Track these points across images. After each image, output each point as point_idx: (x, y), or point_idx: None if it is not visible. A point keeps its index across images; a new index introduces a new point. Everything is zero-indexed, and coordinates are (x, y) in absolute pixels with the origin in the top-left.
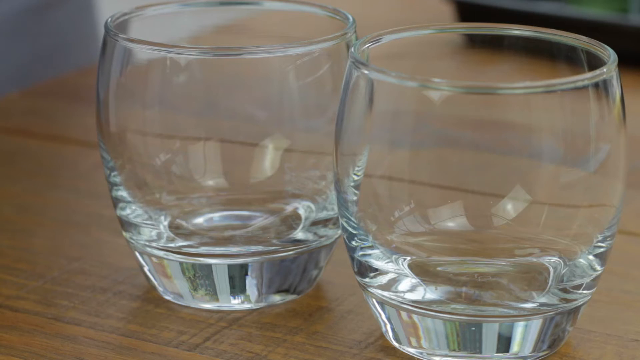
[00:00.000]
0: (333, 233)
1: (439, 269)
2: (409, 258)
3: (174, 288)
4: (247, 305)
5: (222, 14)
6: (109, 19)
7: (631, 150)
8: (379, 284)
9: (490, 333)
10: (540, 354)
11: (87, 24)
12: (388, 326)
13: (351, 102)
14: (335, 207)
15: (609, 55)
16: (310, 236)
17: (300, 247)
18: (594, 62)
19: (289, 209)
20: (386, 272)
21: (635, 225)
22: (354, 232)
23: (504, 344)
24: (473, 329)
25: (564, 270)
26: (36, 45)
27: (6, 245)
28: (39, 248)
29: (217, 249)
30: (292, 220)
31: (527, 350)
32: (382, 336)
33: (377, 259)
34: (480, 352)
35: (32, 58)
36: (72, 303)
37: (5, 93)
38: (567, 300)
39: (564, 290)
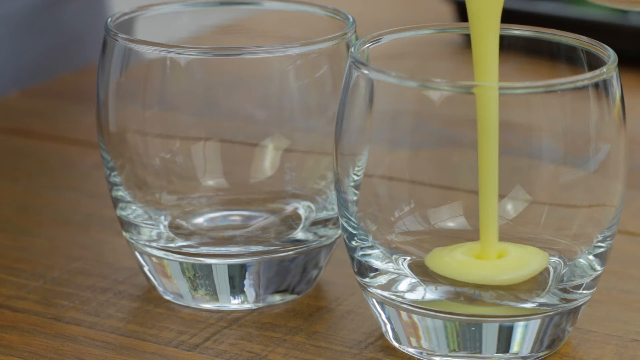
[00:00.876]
0: (333, 233)
1: None
2: (408, 258)
3: (174, 288)
4: (247, 305)
5: (222, 14)
6: (109, 19)
7: (631, 150)
8: (379, 284)
9: (490, 333)
10: (540, 354)
11: (97, 21)
12: (388, 326)
13: (351, 102)
14: (335, 207)
15: (609, 55)
16: (310, 236)
17: (300, 247)
18: (594, 62)
19: (289, 209)
20: (386, 272)
21: (635, 225)
22: (354, 232)
23: (504, 344)
24: (473, 329)
25: (564, 270)
26: (44, 42)
27: (6, 245)
28: (39, 248)
29: (217, 249)
30: (292, 220)
31: (527, 350)
32: (382, 336)
33: (377, 259)
34: (480, 352)
35: (42, 54)
36: (72, 303)
37: (17, 89)
38: (567, 300)
39: (564, 290)
